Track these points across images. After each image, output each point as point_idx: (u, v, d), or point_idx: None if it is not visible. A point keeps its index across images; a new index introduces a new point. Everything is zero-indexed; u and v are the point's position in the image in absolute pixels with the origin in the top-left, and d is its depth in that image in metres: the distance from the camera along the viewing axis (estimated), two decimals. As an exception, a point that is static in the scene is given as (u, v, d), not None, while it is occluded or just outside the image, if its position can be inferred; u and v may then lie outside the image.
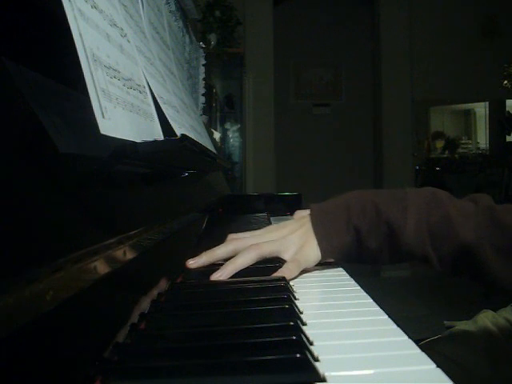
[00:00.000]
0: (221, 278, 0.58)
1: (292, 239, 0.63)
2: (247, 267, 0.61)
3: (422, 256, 0.60)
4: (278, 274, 0.59)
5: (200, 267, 0.63)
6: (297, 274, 0.60)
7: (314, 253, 0.62)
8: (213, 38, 3.41)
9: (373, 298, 0.51)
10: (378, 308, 0.48)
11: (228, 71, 3.72)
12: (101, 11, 0.45)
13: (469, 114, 5.70)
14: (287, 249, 0.62)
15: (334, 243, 0.61)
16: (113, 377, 0.32)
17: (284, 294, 0.49)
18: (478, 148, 5.57)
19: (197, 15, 1.53)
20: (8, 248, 0.27)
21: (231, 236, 0.70)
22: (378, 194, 0.63)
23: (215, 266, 0.61)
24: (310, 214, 0.64)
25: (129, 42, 0.55)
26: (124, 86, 0.47)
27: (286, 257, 0.62)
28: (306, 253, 0.62)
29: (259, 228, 1.03)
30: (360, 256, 0.63)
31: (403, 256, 0.61)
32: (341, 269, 0.66)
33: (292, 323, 0.40)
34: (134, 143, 0.44)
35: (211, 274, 0.59)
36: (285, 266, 0.60)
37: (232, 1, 3.55)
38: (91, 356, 0.33)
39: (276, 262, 0.67)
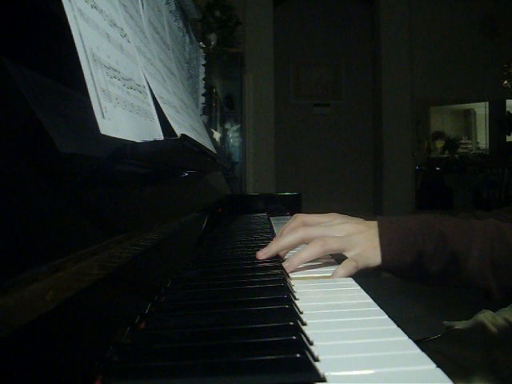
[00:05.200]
0: (288, 270, 0.63)
1: (358, 239, 0.64)
2: (246, 266, 0.60)
3: (482, 285, 0.63)
4: (336, 270, 0.61)
5: (269, 257, 0.67)
6: (352, 273, 0.62)
7: (374, 259, 0.63)
8: (213, 38, 3.41)
9: (373, 297, 0.51)
10: (378, 308, 0.48)
11: (228, 71, 3.72)
12: (101, 11, 0.45)
13: (469, 114, 5.70)
14: (351, 248, 0.64)
15: (396, 258, 0.63)
16: (113, 377, 0.32)
17: (284, 294, 0.49)
18: (478, 148, 5.57)
19: (197, 15, 1.53)
20: (8, 248, 0.27)
21: (298, 217, 0.73)
22: (445, 222, 0.65)
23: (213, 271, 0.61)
24: (378, 224, 0.65)
25: (129, 42, 0.55)
26: (124, 85, 0.47)
27: (348, 255, 0.64)
28: (367, 256, 0.63)
29: (259, 228, 1.03)
30: (418, 277, 0.65)
31: (463, 284, 0.64)
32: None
33: (292, 323, 0.40)
34: (133, 143, 0.44)
35: (210, 274, 0.59)
36: (344, 263, 0.62)
37: (232, 1, 3.56)
38: (91, 356, 0.33)
39: (276, 261, 0.67)
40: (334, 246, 0.64)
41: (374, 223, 0.66)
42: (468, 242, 0.62)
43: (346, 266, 0.61)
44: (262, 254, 0.67)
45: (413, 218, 0.67)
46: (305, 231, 0.67)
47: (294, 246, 0.69)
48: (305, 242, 0.66)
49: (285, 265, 0.64)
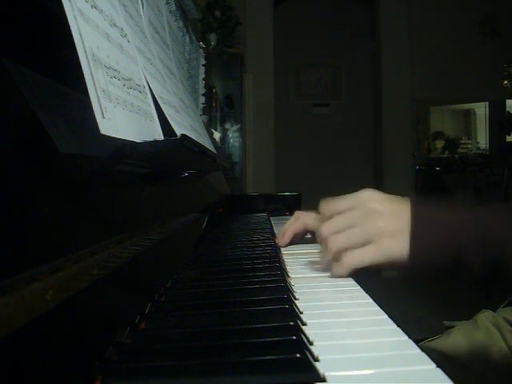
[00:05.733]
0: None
1: (385, 240, 0.57)
2: (246, 266, 0.60)
3: None
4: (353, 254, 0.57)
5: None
6: (365, 264, 0.57)
7: (401, 257, 0.56)
8: (213, 38, 3.41)
9: (373, 297, 0.51)
10: (377, 308, 0.47)
11: (228, 71, 3.72)
12: (101, 11, 0.45)
13: (469, 114, 5.70)
14: (377, 242, 0.57)
15: (431, 262, 0.56)
16: (113, 377, 0.32)
17: (284, 294, 0.49)
18: (478, 148, 5.57)
19: (197, 15, 1.53)
20: (8, 248, 0.27)
21: (325, 205, 0.66)
22: (489, 213, 0.57)
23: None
24: (412, 215, 0.57)
25: (129, 42, 0.55)
26: (124, 85, 0.47)
27: (370, 249, 0.58)
28: (392, 251, 0.57)
29: (259, 228, 1.03)
30: (455, 273, 0.57)
31: (507, 280, 0.57)
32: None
33: (292, 323, 0.40)
34: (134, 143, 0.44)
35: (210, 274, 0.58)
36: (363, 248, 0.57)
37: (232, 1, 3.55)
38: (91, 356, 0.33)
39: (277, 261, 0.67)
40: (367, 260, 0.57)
41: (407, 215, 0.58)
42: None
43: (365, 252, 0.57)
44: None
45: (449, 212, 0.58)
46: (330, 239, 0.60)
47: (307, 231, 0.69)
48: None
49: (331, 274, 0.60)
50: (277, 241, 0.68)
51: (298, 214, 0.84)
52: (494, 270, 0.55)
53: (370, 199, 0.61)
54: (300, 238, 0.86)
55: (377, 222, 0.58)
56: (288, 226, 0.84)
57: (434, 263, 0.56)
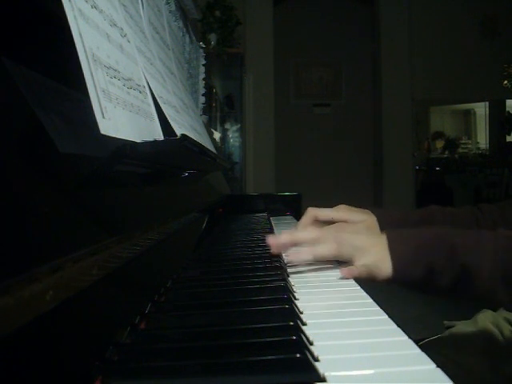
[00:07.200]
0: (293, 259, 0.66)
1: (369, 251, 0.64)
2: (246, 266, 0.60)
3: (493, 298, 0.62)
4: (343, 269, 0.62)
5: (280, 247, 0.69)
6: (359, 276, 0.62)
7: (384, 272, 0.63)
8: (213, 38, 3.41)
9: (373, 297, 0.51)
10: (378, 308, 0.48)
11: (228, 71, 3.72)
12: (101, 11, 0.45)
13: (469, 114, 5.71)
14: (361, 257, 0.64)
15: (407, 272, 0.63)
16: (113, 377, 0.32)
17: (284, 294, 0.49)
18: (478, 148, 5.57)
19: (197, 15, 1.53)
20: (8, 248, 0.27)
21: (310, 211, 0.80)
22: (455, 234, 0.64)
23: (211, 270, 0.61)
24: (388, 237, 0.65)
25: (129, 42, 0.55)
26: (124, 85, 0.47)
27: (357, 264, 0.63)
28: (376, 267, 0.63)
29: (259, 228, 1.03)
30: (429, 290, 0.64)
31: (474, 297, 0.64)
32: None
33: (292, 323, 0.40)
34: (134, 143, 0.44)
35: (210, 274, 0.59)
36: (350, 267, 0.62)
37: (232, 1, 3.55)
38: (91, 356, 0.33)
39: (276, 261, 0.67)
40: (346, 251, 0.64)
41: (383, 235, 0.66)
42: (479, 255, 0.61)
43: (351, 269, 0.62)
44: (273, 241, 0.69)
45: (423, 230, 0.67)
46: (320, 232, 0.68)
47: (303, 243, 0.70)
48: (317, 242, 0.66)
49: (290, 256, 0.65)
50: (290, 237, 0.69)
51: (308, 209, 0.85)
52: (462, 284, 0.61)
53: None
54: None
55: (364, 236, 0.67)
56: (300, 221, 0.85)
57: (409, 274, 0.62)
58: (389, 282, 0.64)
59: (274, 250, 0.70)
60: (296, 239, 0.68)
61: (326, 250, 0.64)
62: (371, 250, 0.64)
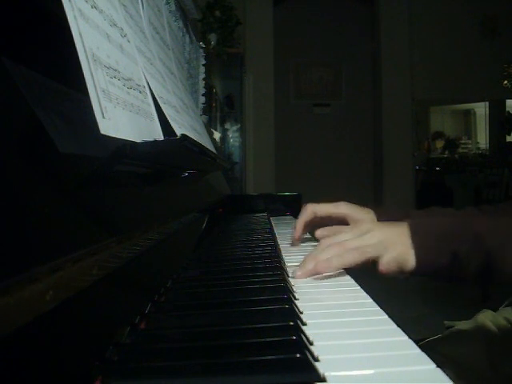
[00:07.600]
0: (322, 270, 0.62)
1: (391, 244, 0.63)
2: (246, 266, 0.60)
3: None
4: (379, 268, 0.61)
5: (310, 273, 0.63)
6: (391, 271, 0.61)
7: (409, 263, 0.62)
8: (213, 38, 3.41)
9: (373, 297, 0.51)
10: (377, 308, 0.48)
11: (228, 71, 3.72)
12: (101, 11, 0.45)
13: (469, 114, 5.71)
14: (386, 253, 0.63)
15: (431, 261, 0.62)
16: (113, 377, 0.32)
17: (284, 294, 0.49)
18: (478, 148, 5.57)
19: (197, 15, 1.53)
20: (8, 248, 0.27)
21: (309, 207, 0.80)
22: (480, 220, 0.63)
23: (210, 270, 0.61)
24: (410, 228, 0.63)
25: (129, 42, 0.55)
26: (124, 85, 0.47)
27: (383, 261, 0.62)
28: (402, 260, 0.62)
29: (259, 228, 1.03)
30: (455, 278, 0.64)
31: (503, 282, 0.63)
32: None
33: (292, 323, 0.40)
34: (134, 143, 0.44)
35: (210, 274, 0.59)
36: (383, 261, 0.61)
37: (232, 1, 3.56)
38: (91, 356, 0.33)
39: (276, 261, 0.67)
40: (370, 253, 0.62)
41: (403, 226, 0.64)
42: (504, 241, 0.60)
43: (382, 264, 0.61)
44: (301, 274, 0.63)
45: (446, 218, 0.66)
46: (341, 246, 0.64)
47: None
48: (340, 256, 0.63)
49: (316, 266, 0.61)
50: (315, 261, 0.66)
51: (306, 205, 0.85)
52: (488, 270, 0.60)
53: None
54: (313, 227, 0.85)
55: (378, 231, 0.65)
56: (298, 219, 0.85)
57: (434, 264, 0.61)
58: (415, 273, 0.63)
59: (303, 278, 0.64)
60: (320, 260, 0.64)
61: (352, 257, 0.62)
62: (392, 242, 0.63)
